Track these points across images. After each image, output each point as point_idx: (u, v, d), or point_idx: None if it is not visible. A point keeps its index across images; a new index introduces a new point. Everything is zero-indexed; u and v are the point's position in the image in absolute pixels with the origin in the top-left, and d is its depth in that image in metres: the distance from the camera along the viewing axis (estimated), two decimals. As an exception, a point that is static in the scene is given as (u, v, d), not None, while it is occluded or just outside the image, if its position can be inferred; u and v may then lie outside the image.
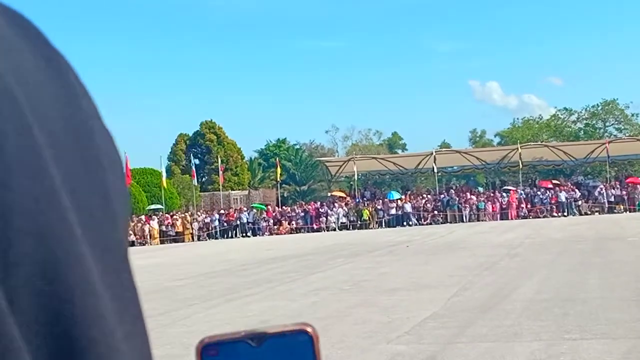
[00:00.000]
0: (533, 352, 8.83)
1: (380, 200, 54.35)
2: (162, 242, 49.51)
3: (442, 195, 54.48)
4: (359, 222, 52.12)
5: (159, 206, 55.10)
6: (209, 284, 19.18)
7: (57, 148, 0.46)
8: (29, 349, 0.41)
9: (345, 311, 12.98)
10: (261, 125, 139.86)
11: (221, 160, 64.11)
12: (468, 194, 54.05)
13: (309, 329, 0.69)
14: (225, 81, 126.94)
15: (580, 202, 51.06)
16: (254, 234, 51.91)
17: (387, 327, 11.01)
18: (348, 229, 51.07)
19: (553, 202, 51.22)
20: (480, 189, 58.63)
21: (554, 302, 12.43)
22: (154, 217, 51.96)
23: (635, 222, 35.39)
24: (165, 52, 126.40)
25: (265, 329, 0.59)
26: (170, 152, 75.62)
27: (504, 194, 52.83)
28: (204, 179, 72.66)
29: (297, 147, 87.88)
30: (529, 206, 51.67)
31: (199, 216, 53.61)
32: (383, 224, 52.05)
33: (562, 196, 50.88)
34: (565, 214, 49.77)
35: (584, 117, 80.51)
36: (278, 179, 65.01)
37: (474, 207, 52.02)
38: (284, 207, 57.91)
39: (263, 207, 56.04)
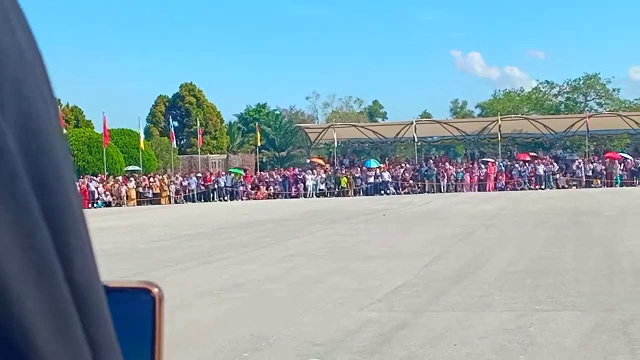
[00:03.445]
0: (503, 322, 8.86)
1: (359, 168, 54.32)
2: (139, 203, 49.26)
3: (421, 165, 54.53)
4: (336, 190, 52.10)
5: (136, 167, 54.75)
6: (184, 247, 19.12)
7: None
8: None
9: (318, 277, 12.97)
10: (241, 89, 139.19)
11: (200, 124, 63.76)
12: (447, 164, 54.12)
13: (153, 289, 0.68)
14: (207, 44, 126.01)
15: (558, 176, 51.27)
16: (232, 198, 51.77)
17: (360, 294, 11.01)
18: (326, 196, 51.05)
19: (531, 175, 51.43)
20: (459, 160, 58.70)
21: (526, 273, 12.48)
22: (131, 178, 51.65)
23: (611, 197, 35.63)
24: (147, 14, 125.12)
25: (108, 282, 0.56)
26: (149, 114, 75.04)
27: (483, 166, 52.98)
28: (182, 142, 72.28)
29: (277, 112, 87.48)
30: (507, 178, 51.85)
31: (176, 179, 53.34)
32: (361, 192, 52.06)
33: (540, 169, 51.08)
34: (543, 187, 49.99)
35: (565, 90, 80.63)
36: (258, 144, 64.81)
37: (452, 177, 52.14)
38: (262, 173, 57.75)
39: (241, 171, 55.84)
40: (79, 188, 0.44)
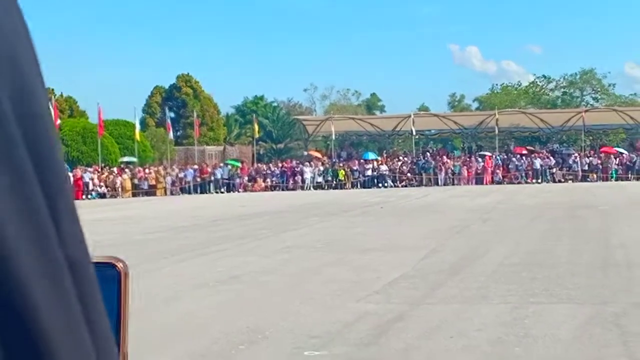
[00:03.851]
0: (499, 314, 8.89)
1: (357, 161, 54.33)
2: (134, 195, 49.15)
3: (419, 159, 54.56)
4: (334, 182, 52.12)
5: (132, 159, 54.57)
6: (180, 238, 19.11)
7: None
8: None
9: (315, 269, 12.99)
10: (239, 81, 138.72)
11: (197, 115, 63.62)
12: (444, 157, 54.14)
13: (118, 264, 0.68)
14: (204, 35, 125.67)
15: (554, 170, 51.36)
16: (228, 190, 51.73)
17: (357, 286, 11.04)
18: (323, 189, 51.06)
19: (528, 168, 51.50)
20: (458, 153, 58.71)
21: (522, 266, 12.52)
22: (126, 169, 51.54)
23: (607, 191, 35.71)
24: (144, 3, 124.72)
25: None
26: (145, 105, 74.90)
27: (480, 159, 53.02)
28: (178, 133, 72.16)
29: (275, 104, 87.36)
30: (504, 172, 51.90)
31: (172, 170, 53.25)
32: (358, 184, 52.08)
33: (537, 163, 51.16)
34: (539, 181, 50.07)
35: (562, 85, 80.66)
36: (255, 136, 64.72)
37: (450, 171, 52.18)
38: (259, 165, 57.73)
39: (238, 163, 55.79)
40: (71, 177, 0.51)
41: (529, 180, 50.44)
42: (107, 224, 23.77)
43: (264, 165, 56.84)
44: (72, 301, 0.48)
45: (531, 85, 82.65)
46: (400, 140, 68.91)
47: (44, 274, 0.46)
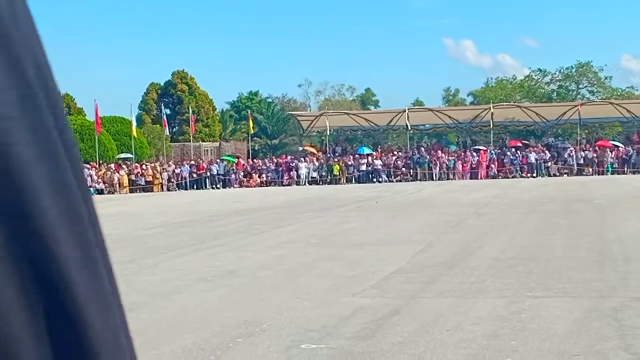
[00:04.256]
0: (495, 308, 8.92)
1: (351, 156, 54.36)
2: (131, 191, 49.18)
3: (413, 153, 54.59)
4: (329, 177, 52.15)
5: (128, 155, 54.65)
6: (177, 234, 19.13)
7: None
8: None
9: (311, 264, 13.02)
10: (234, 77, 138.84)
11: (192, 111, 63.60)
12: (439, 152, 54.17)
13: None
14: (199, 32, 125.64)
15: (549, 164, 51.42)
16: (224, 186, 51.76)
17: (353, 281, 11.07)
18: (318, 184, 51.08)
19: (523, 162, 51.55)
20: (453, 147, 58.79)
21: (518, 260, 12.55)
22: (123, 166, 51.56)
23: (602, 185, 35.76)
24: (140, 0, 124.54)
25: None
26: (141, 101, 74.82)
27: (475, 154, 53.05)
28: (174, 129, 72.10)
29: (270, 100, 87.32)
30: (499, 166, 51.95)
31: (169, 166, 53.27)
32: (353, 179, 52.12)
33: (532, 157, 51.21)
34: (534, 175, 50.13)
35: (557, 78, 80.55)
36: (250, 132, 64.72)
37: (444, 165, 52.23)
38: (254, 160, 57.73)
39: (234, 159, 55.80)
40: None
41: (524, 175, 50.50)
42: (105, 220, 23.09)
43: (259, 161, 56.84)
44: (92, 246, 0.53)
45: (526, 78, 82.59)
46: (394, 135, 68.91)
47: (67, 222, 0.50)
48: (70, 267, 0.50)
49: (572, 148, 52.83)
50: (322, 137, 61.99)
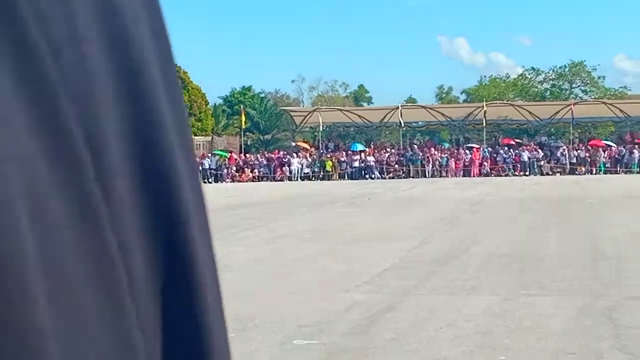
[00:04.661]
0: (489, 305, 8.89)
1: (344, 152, 54.33)
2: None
3: (406, 150, 54.58)
4: (321, 173, 52.11)
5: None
6: (169, 228, 19.02)
7: None
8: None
9: (305, 259, 12.97)
10: (226, 72, 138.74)
11: (185, 105, 63.37)
12: (432, 149, 54.17)
13: None
14: (191, 25, 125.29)
15: (542, 162, 51.49)
16: (216, 181, 51.69)
17: (346, 277, 11.02)
18: (310, 180, 51.04)
19: (515, 161, 51.60)
20: (446, 145, 58.76)
21: (512, 258, 12.53)
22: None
23: (595, 184, 35.82)
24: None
25: None
26: (133, 95, 74.58)
27: (467, 151, 53.07)
28: (167, 124, 71.86)
29: (263, 95, 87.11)
30: (491, 164, 51.99)
31: (161, 160, 53.12)
32: (346, 176, 52.09)
33: (525, 156, 51.27)
34: (527, 173, 50.19)
35: (550, 77, 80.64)
36: (242, 126, 64.59)
37: (437, 163, 52.24)
38: (247, 155, 57.64)
39: (226, 154, 55.70)
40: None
41: (516, 173, 50.55)
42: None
43: (252, 156, 56.75)
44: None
45: (520, 77, 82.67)
46: (387, 132, 68.85)
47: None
48: (200, 256, 0.51)
49: (564, 147, 52.89)
50: (315, 133, 61.90)
